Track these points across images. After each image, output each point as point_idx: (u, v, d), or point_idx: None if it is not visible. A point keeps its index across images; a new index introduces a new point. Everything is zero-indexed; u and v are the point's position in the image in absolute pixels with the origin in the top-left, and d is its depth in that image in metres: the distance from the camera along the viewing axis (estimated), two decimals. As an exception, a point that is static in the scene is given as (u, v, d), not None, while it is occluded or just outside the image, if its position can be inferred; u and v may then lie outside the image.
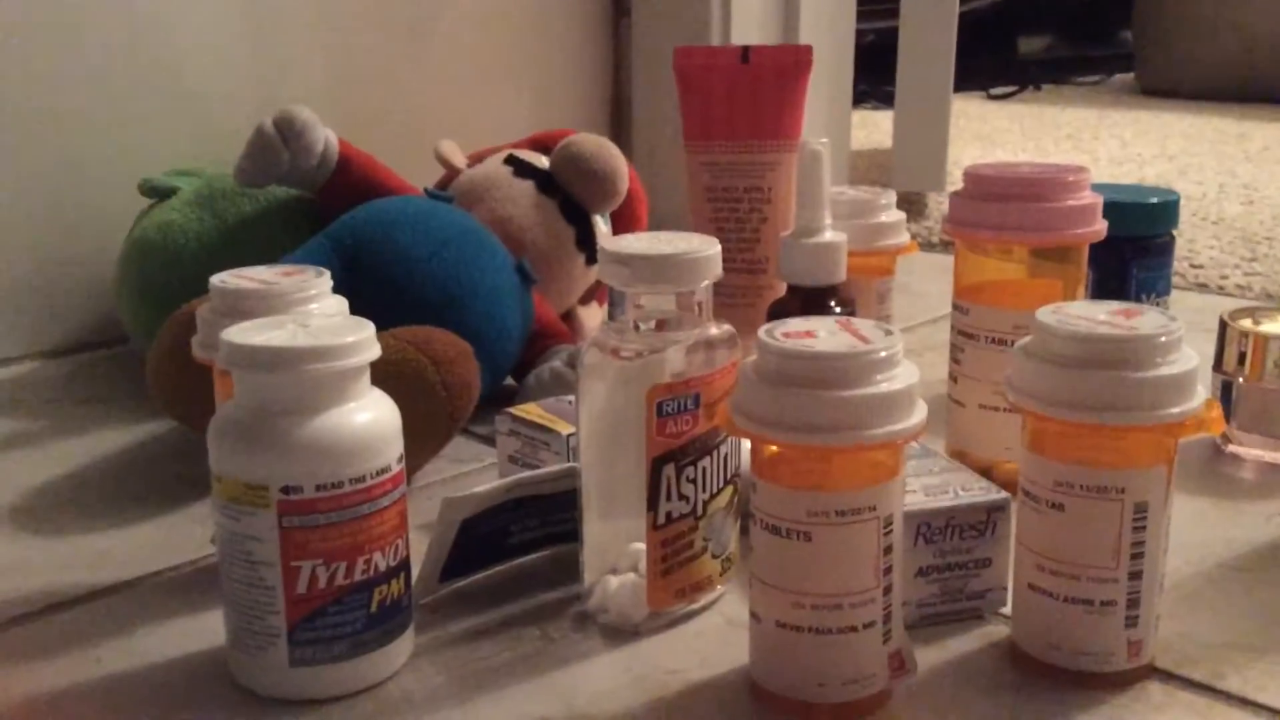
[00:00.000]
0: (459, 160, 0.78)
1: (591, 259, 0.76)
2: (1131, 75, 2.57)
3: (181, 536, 0.54)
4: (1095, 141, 1.76)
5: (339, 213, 0.67)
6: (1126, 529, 0.40)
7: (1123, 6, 2.55)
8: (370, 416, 0.40)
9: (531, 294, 0.69)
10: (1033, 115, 2.12)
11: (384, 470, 0.40)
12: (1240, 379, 0.60)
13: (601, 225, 0.77)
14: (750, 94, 0.70)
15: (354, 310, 0.47)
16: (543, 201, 0.74)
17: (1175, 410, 0.38)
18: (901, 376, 0.38)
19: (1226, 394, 0.61)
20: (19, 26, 0.77)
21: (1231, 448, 0.61)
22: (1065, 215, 0.54)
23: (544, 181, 0.75)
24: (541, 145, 0.81)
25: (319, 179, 0.70)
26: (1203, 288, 0.96)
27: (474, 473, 0.61)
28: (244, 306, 0.45)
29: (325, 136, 0.70)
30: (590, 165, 0.74)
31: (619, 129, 1.14)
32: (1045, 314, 0.41)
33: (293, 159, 0.68)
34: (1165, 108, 2.18)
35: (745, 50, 0.71)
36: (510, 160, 0.76)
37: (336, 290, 0.48)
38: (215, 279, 0.46)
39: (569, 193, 0.74)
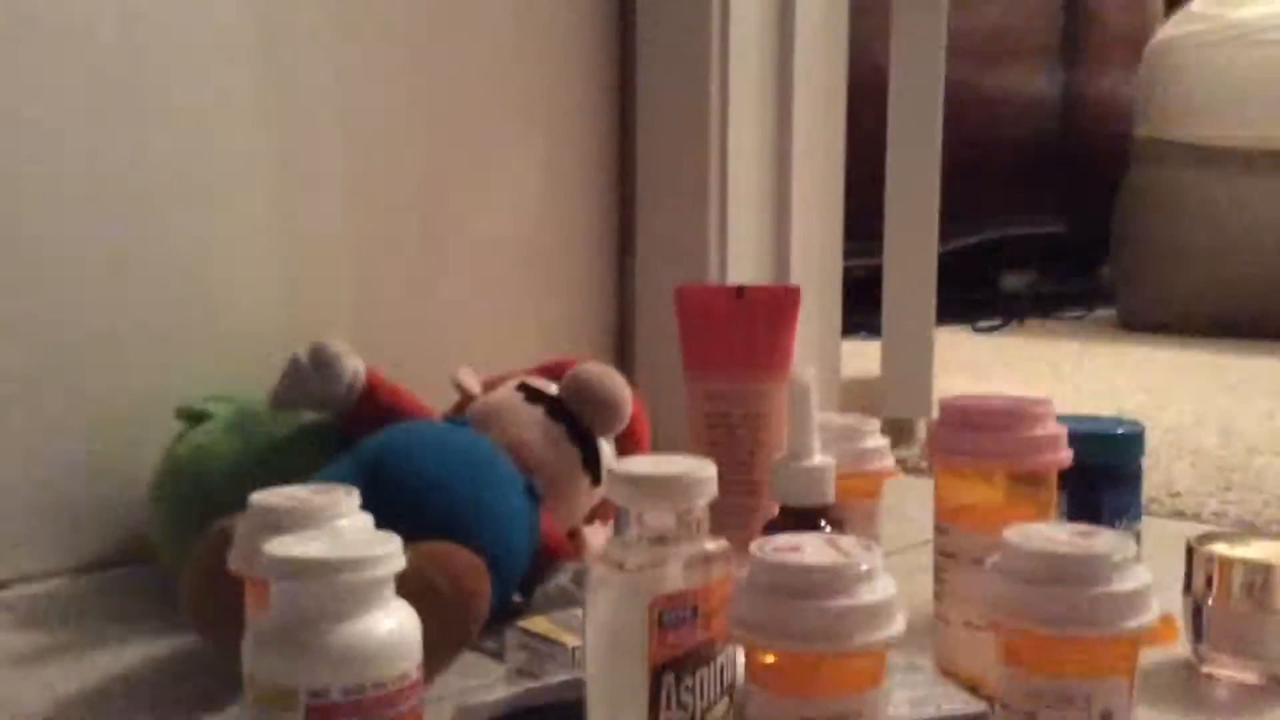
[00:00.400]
0: (474, 386, 0.84)
1: (596, 480, 0.80)
2: (1112, 310, 2.68)
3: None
4: (1077, 374, 1.84)
5: (364, 435, 0.72)
6: (1096, 737, 0.43)
7: (1101, 245, 2.68)
8: (394, 624, 0.43)
9: (539, 512, 0.74)
10: (1016, 348, 2.20)
11: (404, 676, 0.43)
12: (1209, 601, 0.63)
13: (606, 448, 0.82)
14: (745, 329, 0.76)
15: (375, 527, 0.51)
16: (551, 425, 0.79)
17: (1132, 623, 0.42)
18: (882, 588, 0.42)
19: (1197, 616, 0.64)
20: (71, 260, 0.84)
21: (1205, 668, 0.64)
22: (1034, 444, 0.59)
23: (552, 407, 0.80)
24: (551, 373, 0.86)
25: (347, 405, 0.76)
26: (1180, 515, 0.99)
27: (483, 687, 0.63)
28: (279, 522, 0.49)
29: (354, 367, 0.75)
30: (596, 393, 0.79)
31: (622, 358, 1.20)
32: (1011, 534, 0.45)
33: (323, 386, 0.74)
34: (1145, 341, 2.27)
35: (740, 289, 0.77)
36: (521, 387, 0.82)
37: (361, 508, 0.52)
38: (254, 497, 0.51)
39: (576, 417, 0.80)
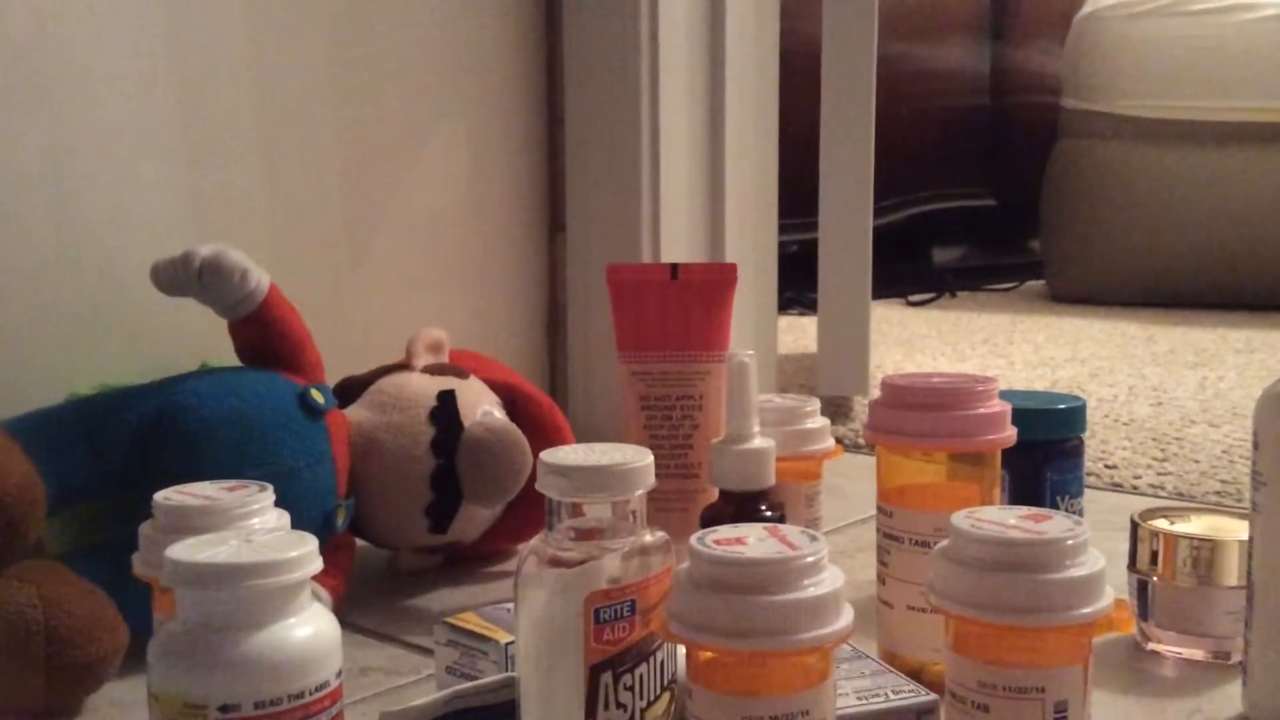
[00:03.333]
0: (419, 358, 0.78)
1: (437, 529, 0.74)
2: (1041, 282, 2.71)
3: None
4: (1010, 346, 1.84)
5: (247, 346, 0.71)
6: (1049, 728, 0.41)
7: (1031, 218, 2.70)
8: (310, 631, 0.40)
9: (324, 423, 0.69)
10: (949, 321, 2.21)
11: (323, 686, 0.40)
12: (1154, 578, 0.62)
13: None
14: (680, 309, 0.74)
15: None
16: (425, 456, 0.72)
17: (1087, 610, 0.40)
18: (828, 581, 0.40)
19: (1143, 593, 0.63)
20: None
21: (1151, 645, 0.63)
22: (977, 423, 0.58)
23: (442, 442, 0.72)
24: (501, 385, 0.79)
25: (229, 317, 0.72)
26: (1117, 487, 0.99)
27: (411, 685, 0.60)
28: (187, 523, 0.46)
29: (247, 291, 0.70)
30: (488, 470, 0.71)
31: (554, 337, 1.18)
32: (960, 519, 0.44)
33: (204, 294, 0.70)
34: (1075, 313, 2.29)
35: (674, 268, 0.75)
36: (442, 397, 0.74)
37: None
38: (158, 496, 0.47)
39: (456, 472, 0.72)
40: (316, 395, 0.69)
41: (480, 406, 0.75)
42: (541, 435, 0.75)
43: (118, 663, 0.57)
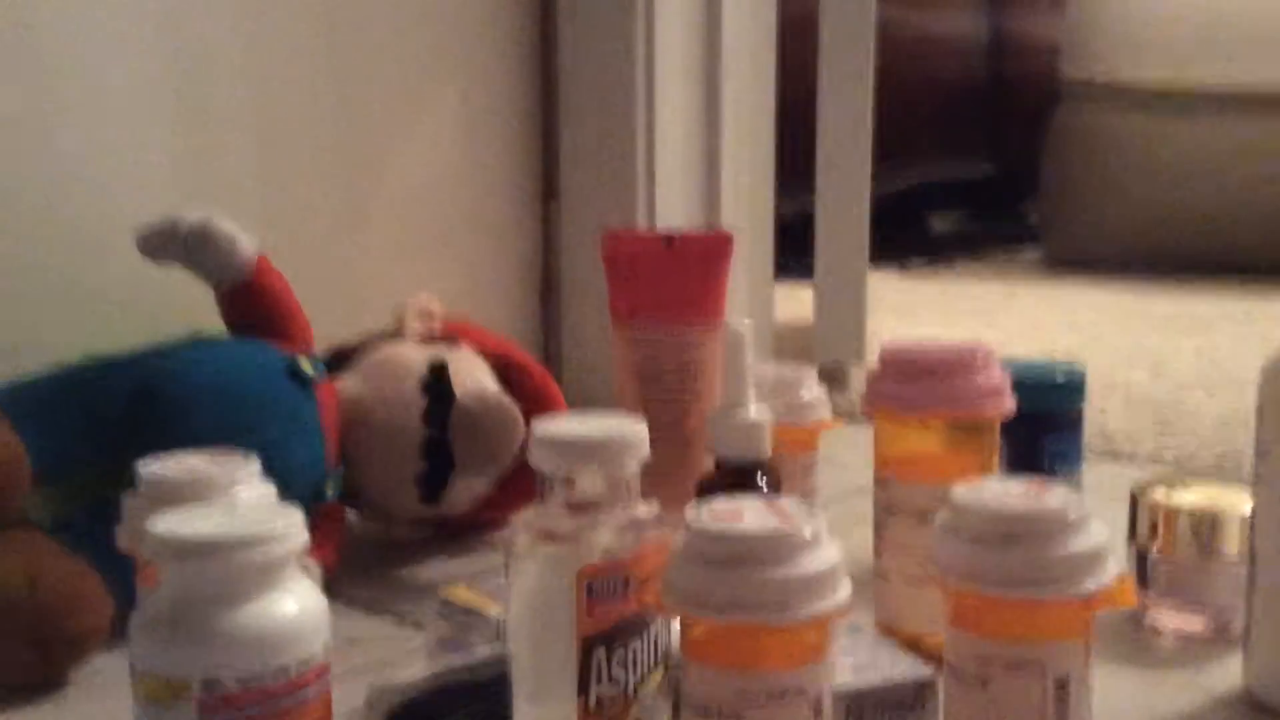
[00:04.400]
0: (410, 327, 0.77)
1: (428, 499, 0.73)
2: (1039, 251, 2.70)
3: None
4: (1007, 313, 1.83)
5: (236, 315, 0.70)
6: (1049, 703, 0.40)
7: (1029, 186, 2.69)
8: (296, 605, 0.40)
9: (314, 393, 0.68)
10: (946, 289, 2.20)
11: (308, 660, 0.40)
12: (1154, 550, 0.62)
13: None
14: (676, 277, 0.73)
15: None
16: (418, 427, 0.71)
17: (1088, 584, 0.40)
18: (825, 555, 0.39)
19: (1142, 564, 0.62)
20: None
21: (1150, 618, 0.62)
22: (976, 392, 0.57)
23: (435, 412, 0.71)
24: (493, 354, 0.78)
25: (216, 286, 0.71)
26: (1115, 456, 0.99)
27: (402, 656, 0.59)
28: (171, 495, 0.45)
29: (235, 260, 0.69)
30: (481, 443, 0.70)
31: (548, 305, 1.17)
32: (961, 491, 0.43)
33: (190, 262, 0.69)
34: (1072, 281, 2.28)
35: (669, 238, 0.73)
36: (435, 370, 0.73)
37: None
38: (142, 467, 0.46)
39: (447, 442, 0.71)
40: (306, 365, 0.68)
41: (472, 376, 0.74)
42: (534, 404, 0.74)
43: (104, 636, 0.56)
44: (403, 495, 0.73)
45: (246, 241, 0.70)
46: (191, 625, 0.38)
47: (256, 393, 0.65)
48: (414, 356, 0.74)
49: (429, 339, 0.77)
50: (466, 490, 0.74)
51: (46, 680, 0.56)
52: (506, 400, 0.71)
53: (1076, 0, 2.49)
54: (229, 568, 0.38)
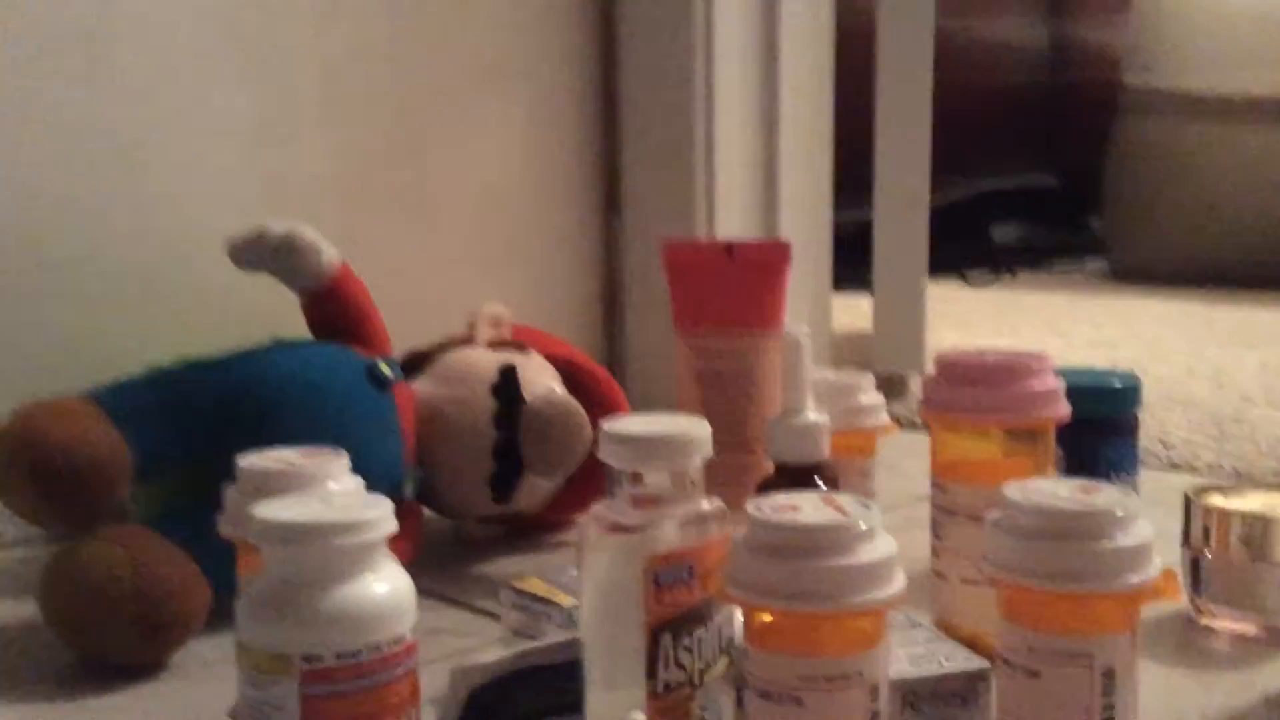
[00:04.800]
0: (481, 333, 0.80)
1: (500, 499, 0.76)
2: (1103, 261, 2.68)
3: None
4: (1069, 325, 1.83)
5: (318, 320, 0.74)
6: (1097, 693, 0.42)
7: (1092, 196, 2.67)
8: (388, 587, 0.43)
9: (391, 395, 0.71)
10: (1008, 301, 2.20)
11: (399, 640, 0.43)
12: (1207, 553, 0.63)
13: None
14: (736, 286, 0.75)
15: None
16: (488, 429, 0.74)
17: (1134, 578, 0.42)
18: (881, 547, 0.41)
19: (1196, 568, 0.63)
20: (44, 217, 0.82)
21: (1204, 621, 0.64)
22: (1031, 399, 0.58)
23: (506, 415, 0.74)
24: (560, 359, 0.81)
25: (302, 294, 0.74)
26: (1175, 467, 0.99)
27: (479, 647, 0.62)
28: (268, 486, 0.48)
29: (320, 268, 0.73)
30: (551, 446, 0.72)
31: (611, 313, 1.19)
32: (1012, 490, 0.45)
33: (278, 270, 0.73)
34: (1136, 292, 2.26)
35: (730, 246, 0.76)
36: (504, 371, 0.76)
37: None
38: (242, 460, 0.50)
39: (516, 444, 0.74)
40: (384, 368, 0.72)
41: (541, 380, 0.77)
42: (599, 408, 0.76)
43: (202, 621, 0.60)
44: (475, 494, 0.76)
45: (329, 250, 0.73)
46: (294, 604, 0.41)
47: (339, 394, 0.69)
48: (485, 361, 0.77)
49: (499, 344, 0.80)
50: (536, 490, 0.77)
51: (148, 663, 0.60)
52: (574, 403, 0.74)
53: (1139, 7, 2.47)
54: (327, 551, 0.41)
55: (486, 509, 0.77)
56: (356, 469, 0.53)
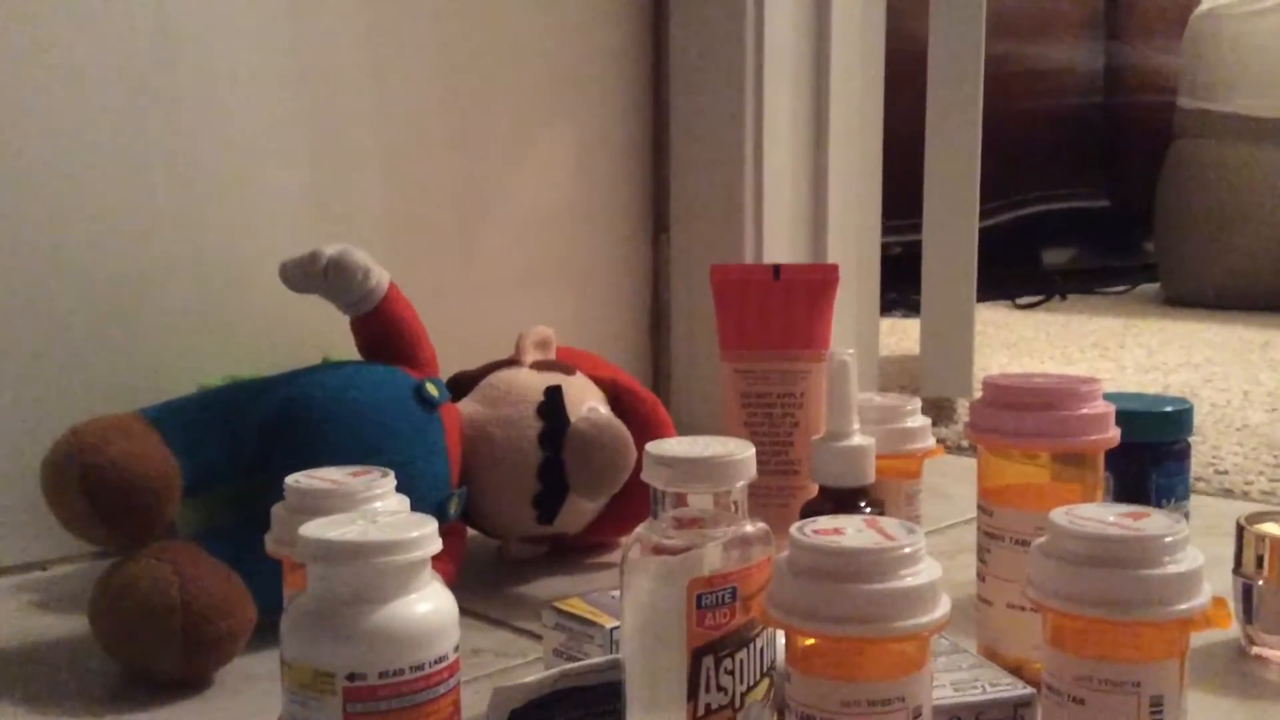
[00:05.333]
0: (527, 355, 0.80)
1: (544, 519, 0.76)
2: (1156, 285, 2.65)
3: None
4: (1121, 350, 1.81)
5: (367, 341, 0.75)
6: (1145, 722, 0.42)
7: (1145, 219, 2.64)
8: (431, 607, 0.43)
9: (438, 415, 0.72)
10: (1058, 324, 2.17)
11: (442, 659, 0.43)
12: (1260, 581, 0.62)
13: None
14: (782, 308, 0.75)
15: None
16: (533, 450, 0.75)
17: (1183, 606, 0.41)
18: (925, 572, 0.41)
19: (1247, 596, 0.62)
20: (94, 237, 0.84)
21: (1256, 650, 0.62)
22: (1079, 423, 0.58)
23: (551, 435, 0.75)
24: (605, 381, 0.81)
25: (351, 313, 0.75)
26: (1228, 493, 0.98)
27: (520, 666, 0.63)
28: (315, 504, 0.49)
29: (369, 289, 0.73)
30: (595, 465, 0.73)
31: (657, 337, 1.20)
32: (1058, 515, 0.44)
33: (328, 291, 0.73)
34: (1189, 316, 2.23)
35: (777, 269, 0.76)
36: (549, 392, 0.76)
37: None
38: (290, 479, 0.51)
39: (561, 464, 0.74)
40: (431, 389, 0.72)
41: (586, 402, 0.77)
42: (644, 430, 0.77)
43: (247, 637, 0.60)
44: (519, 514, 0.76)
45: (378, 271, 0.74)
46: (338, 622, 0.41)
47: (386, 414, 0.70)
48: (531, 381, 0.78)
49: (545, 366, 0.80)
50: (580, 511, 0.77)
51: (193, 679, 0.60)
52: (618, 424, 0.74)
53: (1194, 30, 2.45)
54: (372, 570, 0.42)
55: (530, 529, 0.77)
56: (401, 488, 0.53)
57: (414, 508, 0.52)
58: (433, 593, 0.44)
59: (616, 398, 0.81)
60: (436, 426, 0.72)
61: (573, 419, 0.75)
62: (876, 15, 1.18)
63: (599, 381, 0.81)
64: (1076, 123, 2.85)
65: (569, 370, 0.80)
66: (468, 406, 0.77)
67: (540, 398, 0.76)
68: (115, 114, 0.84)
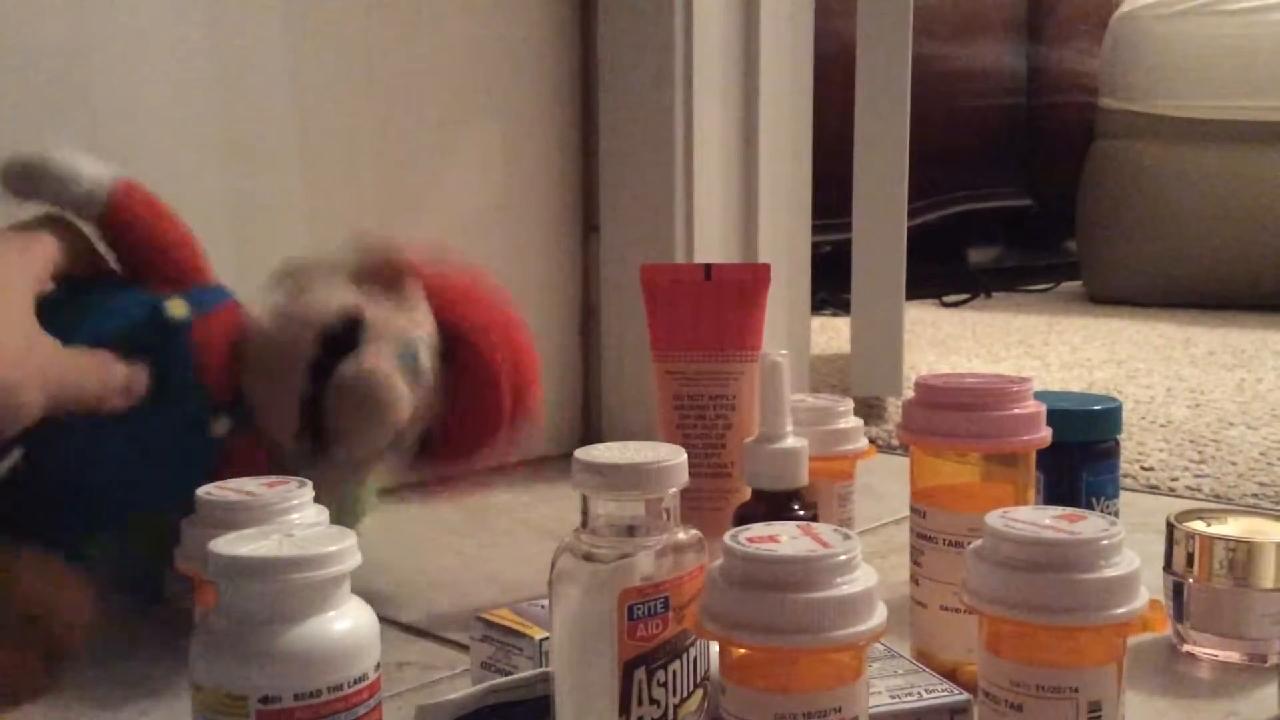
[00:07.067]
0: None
1: (315, 453, 0.65)
2: (1079, 283, 2.69)
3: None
4: (1046, 347, 1.83)
5: (116, 253, 0.65)
6: (1083, 728, 0.41)
7: (1068, 218, 2.68)
8: (350, 624, 0.41)
9: (182, 337, 0.63)
10: (985, 322, 2.20)
11: (361, 678, 0.41)
12: (1190, 579, 0.62)
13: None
14: (714, 308, 0.74)
15: None
16: (301, 381, 0.64)
17: (1121, 610, 0.40)
18: (861, 579, 0.40)
19: (1178, 594, 0.63)
20: None
21: (1186, 647, 0.63)
22: (1012, 423, 0.57)
23: (318, 368, 0.64)
24: (449, 320, 0.71)
25: (88, 223, 0.66)
26: (1154, 490, 0.99)
27: (447, 679, 0.61)
28: (228, 518, 0.47)
29: (77, 194, 0.64)
30: (349, 416, 0.64)
31: (587, 337, 1.18)
32: (994, 519, 0.44)
33: (43, 196, 0.64)
34: (1112, 314, 2.27)
35: (708, 268, 0.75)
36: (342, 320, 0.66)
37: None
38: (200, 492, 0.48)
39: (327, 404, 0.64)
40: (174, 307, 0.63)
41: (393, 338, 0.66)
42: (474, 393, 0.69)
43: (84, 635, 0.55)
44: (286, 436, 0.65)
45: (94, 170, 0.64)
46: (250, 643, 0.39)
47: (117, 351, 0.60)
48: (334, 299, 0.66)
49: (385, 280, 0.70)
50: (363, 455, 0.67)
51: (33, 685, 0.55)
52: (386, 383, 0.64)
53: (1114, 32, 2.49)
54: (286, 587, 0.40)
55: (308, 462, 0.65)
56: (150, 425, 0.47)
57: (175, 434, 0.46)
58: (351, 609, 0.42)
59: (453, 349, 0.71)
60: (180, 349, 0.63)
61: (352, 356, 0.64)
62: (805, 16, 1.18)
63: (445, 325, 0.71)
64: (1000, 123, 2.89)
65: (402, 294, 0.69)
66: (262, 311, 0.67)
67: (333, 321, 0.65)
68: (32, 107, 0.81)
